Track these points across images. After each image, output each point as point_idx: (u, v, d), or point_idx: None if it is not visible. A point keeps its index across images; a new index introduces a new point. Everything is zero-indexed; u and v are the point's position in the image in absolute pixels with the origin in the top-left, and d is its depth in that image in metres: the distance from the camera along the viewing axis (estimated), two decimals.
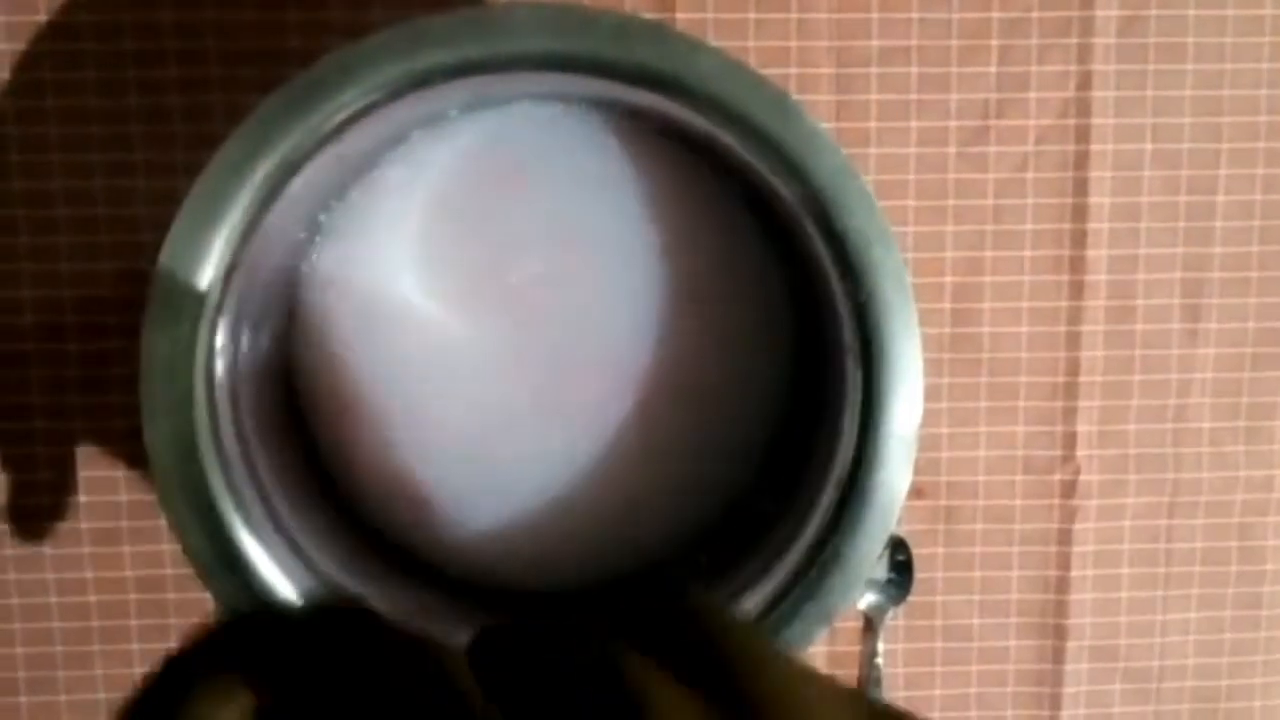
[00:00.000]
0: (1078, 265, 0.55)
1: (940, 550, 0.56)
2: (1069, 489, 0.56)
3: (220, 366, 0.40)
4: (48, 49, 0.52)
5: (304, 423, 0.49)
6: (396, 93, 0.39)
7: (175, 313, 0.39)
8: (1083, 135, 0.55)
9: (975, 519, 0.56)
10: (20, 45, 0.51)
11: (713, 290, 0.49)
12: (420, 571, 0.50)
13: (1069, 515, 0.56)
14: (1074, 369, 0.56)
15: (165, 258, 0.39)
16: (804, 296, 0.49)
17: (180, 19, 0.52)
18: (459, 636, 0.38)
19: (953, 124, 0.54)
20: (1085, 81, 0.54)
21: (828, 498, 0.41)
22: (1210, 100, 0.55)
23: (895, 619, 0.56)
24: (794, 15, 0.53)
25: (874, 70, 0.54)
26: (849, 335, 0.41)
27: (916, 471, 0.41)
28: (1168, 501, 0.57)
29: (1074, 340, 0.55)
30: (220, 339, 0.40)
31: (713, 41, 0.40)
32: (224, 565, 0.40)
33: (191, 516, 0.40)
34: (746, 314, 0.50)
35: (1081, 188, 0.55)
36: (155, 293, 0.39)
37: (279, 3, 0.52)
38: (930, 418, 0.54)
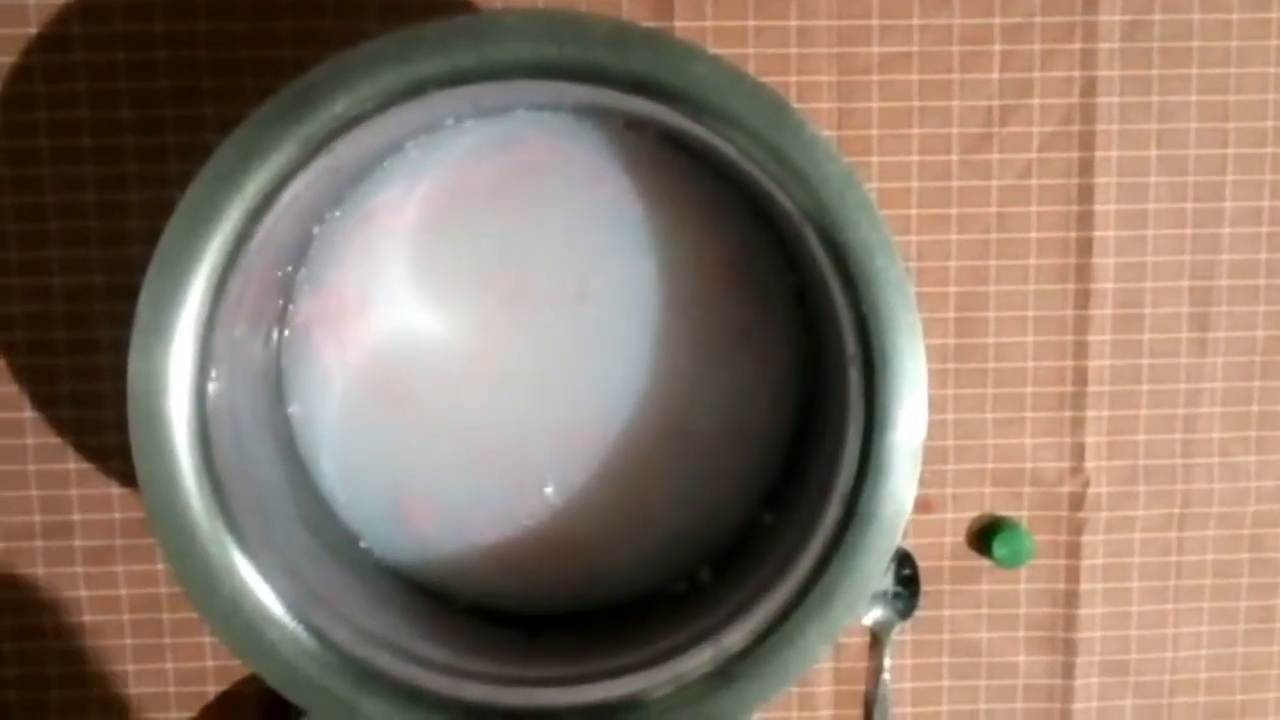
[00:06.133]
0: (1084, 273, 0.54)
1: (947, 563, 0.56)
2: (1078, 501, 0.56)
3: (212, 382, 0.40)
4: (39, 61, 0.51)
5: (298, 437, 0.48)
6: (390, 101, 0.38)
7: (162, 333, 0.38)
8: (1087, 142, 0.54)
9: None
10: (10, 57, 0.51)
11: (716, 302, 0.49)
12: (415, 590, 0.49)
13: (1078, 527, 0.56)
14: (1081, 379, 0.55)
15: (153, 274, 0.38)
16: (810, 307, 0.48)
17: (172, 29, 0.51)
18: (456, 659, 0.37)
19: (955, 131, 0.54)
20: (1089, 87, 0.54)
21: (832, 511, 0.41)
22: (1216, 105, 0.54)
23: (902, 634, 0.56)
24: (794, 22, 0.52)
25: (875, 77, 0.53)
26: (852, 346, 0.40)
27: (922, 484, 0.40)
28: (1178, 513, 0.56)
29: (1081, 349, 0.55)
30: (212, 354, 0.39)
31: (712, 49, 0.39)
32: (215, 586, 0.39)
33: (181, 537, 0.39)
34: (751, 326, 0.49)
35: (1087, 195, 0.54)
36: (141, 313, 0.38)
37: (272, 12, 0.51)
38: (936, 430, 0.53)
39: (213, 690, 0.54)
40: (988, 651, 0.56)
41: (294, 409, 0.48)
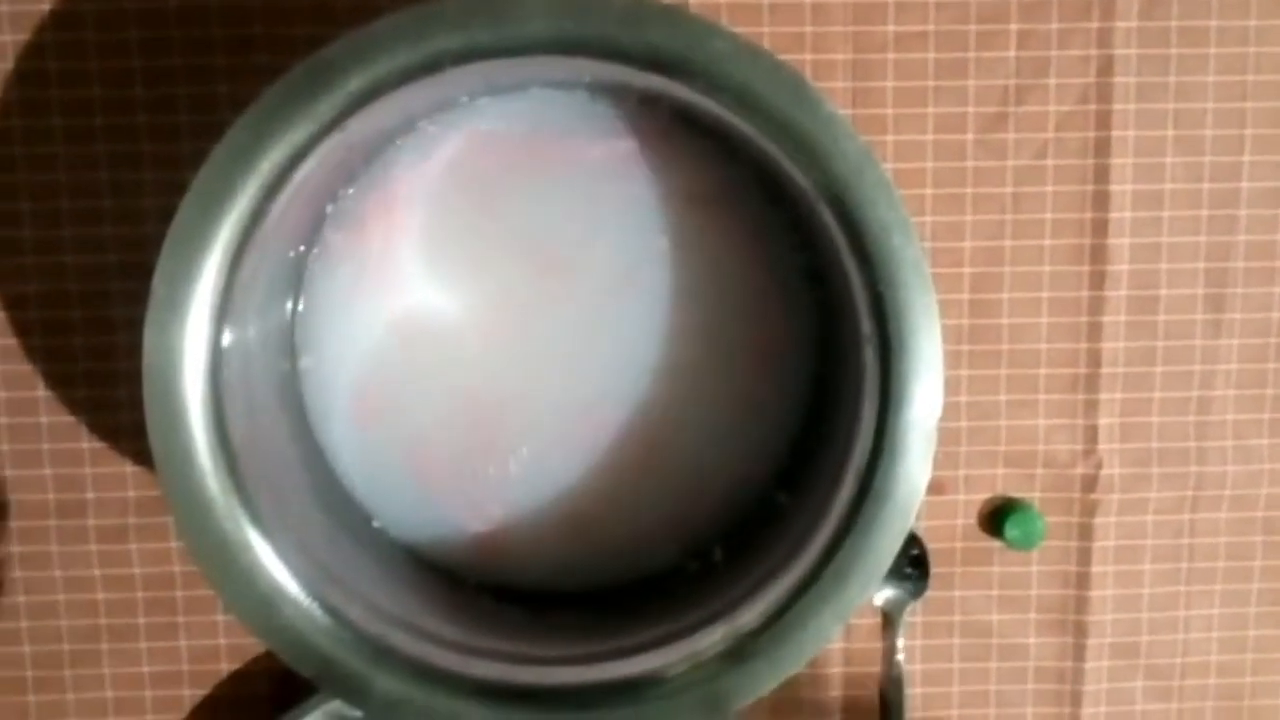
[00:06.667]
0: (1099, 255, 0.54)
1: (958, 545, 0.56)
2: (1090, 483, 0.55)
3: (226, 360, 0.40)
4: (51, 39, 0.51)
5: (310, 413, 0.49)
6: (405, 79, 0.38)
7: (177, 311, 0.38)
8: (1104, 121, 0.54)
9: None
10: (23, 35, 0.51)
11: (729, 281, 0.48)
12: (427, 568, 0.49)
13: (1090, 509, 0.55)
14: (1095, 360, 0.55)
15: (167, 252, 0.38)
16: (824, 287, 0.48)
17: (185, 5, 0.51)
18: (467, 637, 0.37)
19: (971, 110, 0.53)
20: (1106, 66, 0.53)
21: (846, 492, 0.41)
22: (1234, 85, 0.53)
23: (913, 615, 0.56)
24: None
25: (891, 56, 0.53)
26: (867, 326, 0.40)
27: (935, 466, 0.40)
28: (1191, 496, 0.56)
29: (1095, 331, 0.54)
30: (226, 331, 0.39)
31: (727, 26, 0.39)
32: (230, 563, 0.39)
33: (196, 514, 0.39)
34: (764, 305, 0.49)
35: (1103, 175, 0.54)
36: (156, 291, 0.38)
37: None
38: (949, 411, 0.53)
39: (226, 667, 0.54)
40: (998, 633, 0.56)
41: (306, 384, 0.48)
